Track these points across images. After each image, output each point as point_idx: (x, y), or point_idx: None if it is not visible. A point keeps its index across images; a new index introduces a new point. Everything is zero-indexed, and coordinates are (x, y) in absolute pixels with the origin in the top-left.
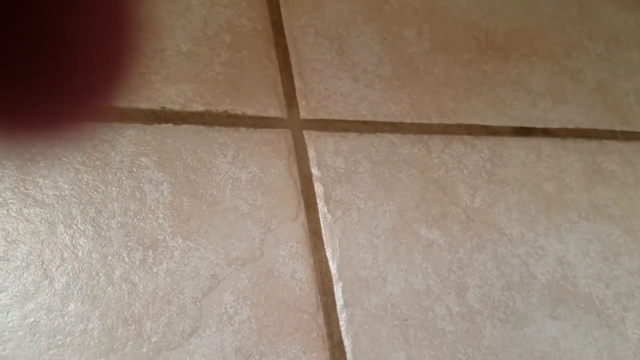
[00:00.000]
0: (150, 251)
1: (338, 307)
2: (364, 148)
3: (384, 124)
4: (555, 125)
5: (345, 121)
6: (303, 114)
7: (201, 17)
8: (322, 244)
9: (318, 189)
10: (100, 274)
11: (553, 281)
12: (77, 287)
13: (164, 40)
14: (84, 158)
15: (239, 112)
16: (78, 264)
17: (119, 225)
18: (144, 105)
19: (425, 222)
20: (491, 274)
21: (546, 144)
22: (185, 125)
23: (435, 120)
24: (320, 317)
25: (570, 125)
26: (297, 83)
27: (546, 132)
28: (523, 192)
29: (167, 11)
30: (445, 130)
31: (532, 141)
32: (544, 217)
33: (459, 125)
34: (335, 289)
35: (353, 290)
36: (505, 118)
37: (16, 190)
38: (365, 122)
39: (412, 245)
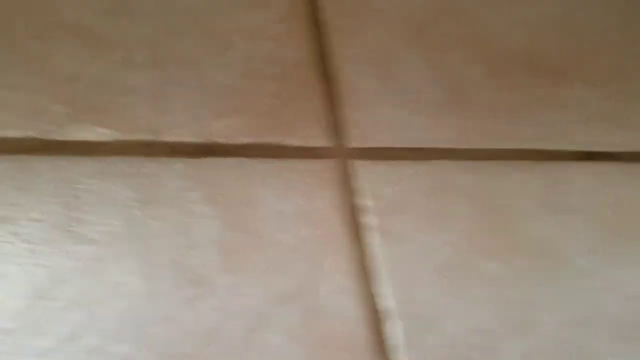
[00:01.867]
0: (198, 288)
1: (392, 348)
2: (415, 176)
3: (435, 150)
4: (618, 148)
5: (394, 149)
6: (350, 143)
7: (244, 52)
8: (373, 279)
9: (367, 220)
10: (148, 314)
11: (626, 317)
12: (124, 328)
13: (208, 74)
14: (133, 194)
15: (285, 143)
16: (126, 303)
17: (167, 261)
18: (191, 139)
19: (485, 255)
20: (558, 310)
21: (610, 169)
22: (232, 158)
23: (488, 146)
24: (371, 357)
25: (635, 148)
26: (343, 112)
27: (609, 156)
28: (589, 220)
29: (210, 45)
30: (500, 155)
31: (594, 166)
32: (614, 246)
33: (515, 151)
34: (388, 328)
35: (408, 330)
36: (563, 142)
37: (64, 228)
38: (415, 150)
39: (472, 279)
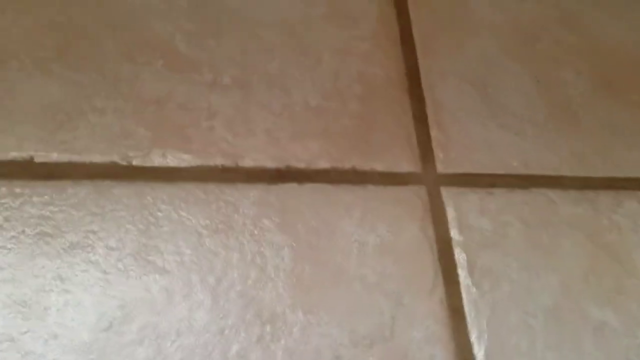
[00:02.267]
0: (269, 326)
1: None
2: (515, 206)
3: (540, 177)
4: None
5: (492, 175)
6: (441, 168)
7: (332, 69)
8: (465, 325)
9: (459, 256)
10: (216, 351)
11: None
12: None
13: (293, 95)
14: (207, 221)
15: (368, 168)
16: (194, 339)
17: (237, 295)
18: (269, 164)
19: (594, 299)
20: None
21: None
22: (310, 184)
23: (601, 173)
24: None
25: None
26: (434, 133)
27: None
28: None
29: (297, 64)
30: (614, 185)
31: None
32: None
33: (632, 180)
34: None
35: None
36: None
37: (137, 257)
38: (516, 176)
39: (578, 327)
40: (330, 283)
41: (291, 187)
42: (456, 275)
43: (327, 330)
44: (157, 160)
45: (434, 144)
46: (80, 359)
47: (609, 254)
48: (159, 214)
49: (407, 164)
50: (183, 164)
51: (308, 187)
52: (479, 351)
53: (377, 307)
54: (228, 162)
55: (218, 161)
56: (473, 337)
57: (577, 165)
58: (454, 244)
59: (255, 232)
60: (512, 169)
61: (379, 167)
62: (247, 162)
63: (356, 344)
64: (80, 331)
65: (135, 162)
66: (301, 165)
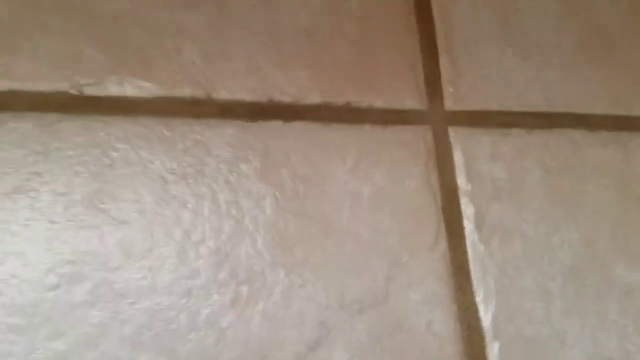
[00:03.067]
0: (245, 287)
1: None
2: (534, 150)
3: (564, 116)
4: None
5: (509, 113)
6: (450, 104)
7: None
8: (471, 285)
9: (466, 207)
10: (182, 316)
11: None
12: (152, 333)
13: (279, 13)
14: (173, 164)
15: (365, 105)
16: (156, 301)
17: (209, 251)
18: (248, 97)
19: (622, 259)
20: None
21: None
22: (297, 122)
23: (637, 112)
24: None
25: None
26: (444, 61)
27: None
28: None
29: None
30: None
31: None
32: None
33: None
34: (489, 352)
35: (515, 357)
36: None
37: (89, 204)
38: (537, 114)
39: (603, 291)
40: (318, 239)
41: (274, 126)
42: (462, 230)
43: (312, 292)
44: (113, 89)
45: (443, 75)
46: (23, 321)
47: (638, 207)
48: (115, 154)
49: (410, 99)
50: (144, 95)
51: (294, 126)
52: (485, 316)
53: (370, 267)
54: (199, 94)
55: (187, 92)
56: (479, 300)
57: (608, 102)
58: (460, 193)
59: (231, 178)
60: (532, 106)
61: (378, 103)
62: (222, 94)
63: (344, 309)
64: (23, 290)
65: (87, 91)
66: (287, 99)
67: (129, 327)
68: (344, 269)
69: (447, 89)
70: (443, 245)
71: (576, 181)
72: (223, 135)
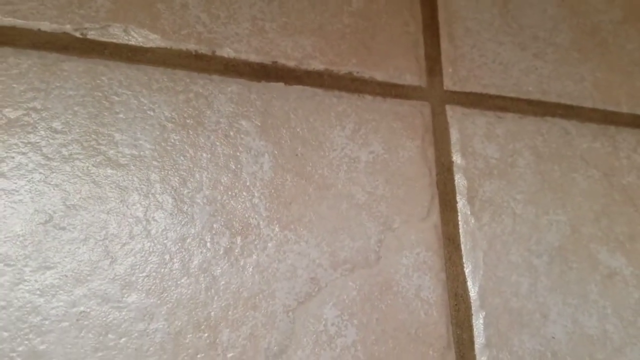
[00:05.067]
0: (239, 238)
1: (477, 347)
2: (527, 135)
3: (557, 105)
4: None
5: (504, 97)
6: (448, 83)
7: None
8: (460, 256)
9: (460, 182)
10: (175, 260)
11: None
12: (144, 274)
13: None
14: (173, 114)
15: (367, 76)
16: (149, 244)
17: (205, 200)
18: (252, 57)
19: (606, 243)
20: None
21: None
22: (299, 86)
23: (626, 109)
24: (452, 357)
25: None
26: (444, 44)
27: None
28: None
29: None
30: (638, 123)
31: None
32: None
33: None
34: (474, 321)
35: (499, 326)
36: None
37: (86, 144)
38: (530, 102)
39: (586, 272)
40: (314, 198)
41: (277, 87)
42: (454, 203)
43: (305, 249)
44: (118, 35)
45: (444, 56)
46: (12, 252)
47: (625, 196)
48: (115, 98)
49: (411, 75)
50: (149, 44)
51: (296, 90)
52: (473, 286)
53: (363, 229)
54: (203, 49)
55: (191, 46)
56: (468, 271)
57: (599, 97)
58: (455, 169)
59: (231, 133)
60: (527, 93)
61: (379, 76)
62: (226, 52)
63: (336, 267)
64: (14, 221)
65: (91, 35)
66: (291, 63)
67: (120, 266)
68: (338, 229)
69: (447, 70)
70: (435, 216)
71: (566, 168)
72: (225, 91)
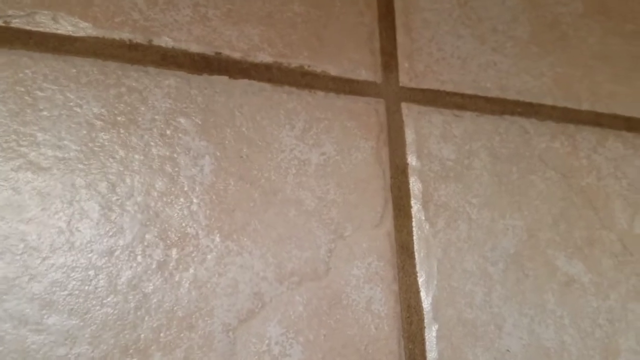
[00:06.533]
0: (175, 250)
1: None
2: (484, 134)
3: (516, 103)
4: None
5: (462, 95)
6: (404, 79)
7: None
8: (414, 265)
9: (415, 185)
10: (100, 277)
11: None
12: (65, 292)
13: None
14: (103, 111)
15: (319, 70)
16: (72, 258)
17: (136, 208)
18: (193, 47)
19: (564, 249)
20: None
21: None
22: (245, 81)
23: (586, 106)
24: None
25: None
26: (401, 36)
27: None
28: None
29: None
30: (599, 121)
31: None
32: None
33: (618, 117)
34: (427, 334)
35: (453, 339)
36: None
37: (5, 145)
38: (489, 99)
39: (543, 280)
40: (260, 205)
41: (220, 81)
42: (409, 208)
43: (249, 261)
44: (45, 24)
45: (400, 50)
46: None
47: (584, 199)
48: (39, 93)
49: (365, 70)
50: (79, 33)
51: (242, 84)
52: (426, 297)
53: (312, 238)
54: (138, 38)
55: (125, 35)
56: (421, 281)
57: (559, 93)
58: (410, 171)
59: (168, 132)
60: (485, 90)
61: (332, 70)
62: (164, 41)
63: (282, 280)
64: None
65: (15, 24)
66: (236, 55)
67: (39, 283)
68: (285, 238)
69: (403, 65)
70: (389, 222)
71: (523, 170)
72: (162, 85)
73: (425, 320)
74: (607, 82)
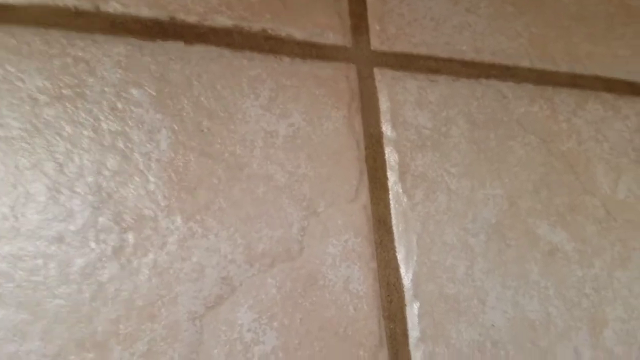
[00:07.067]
0: (131, 234)
1: (411, 342)
2: (461, 100)
3: (492, 66)
4: None
5: (436, 58)
6: (376, 43)
7: None
8: (392, 240)
9: (390, 156)
10: (51, 266)
11: None
12: (12, 285)
13: None
14: (47, 84)
15: (283, 34)
16: (18, 248)
17: (87, 189)
18: (145, 12)
19: (546, 217)
20: (639, 302)
21: None
22: (203, 46)
23: (564, 68)
24: (384, 356)
25: None
26: None
27: None
28: None
29: None
30: (577, 82)
31: None
32: None
33: (597, 78)
34: (408, 312)
35: (435, 316)
36: None
37: None
38: (464, 62)
39: (525, 250)
40: (224, 182)
41: (175, 47)
42: (385, 180)
43: (215, 243)
44: None
45: (370, 12)
46: None
47: (564, 163)
48: None
49: (333, 34)
50: (19, 1)
51: (199, 50)
52: (406, 273)
53: (284, 216)
54: (84, 4)
55: (70, 1)
56: (400, 256)
57: (536, 54)
58: (385, 141)
59: (119, 104)
60: (460, 52)
61: (298, 34)
62: (113, 7)
63: (252, 263)
64: None
65: None
66: (192, 19)
67: None
68: (254, 217)
69: (374, 27)
70: (365, 196)
71: (502, 136)
72: (111, 54)
73: (406, 298)
74: (584, 43)
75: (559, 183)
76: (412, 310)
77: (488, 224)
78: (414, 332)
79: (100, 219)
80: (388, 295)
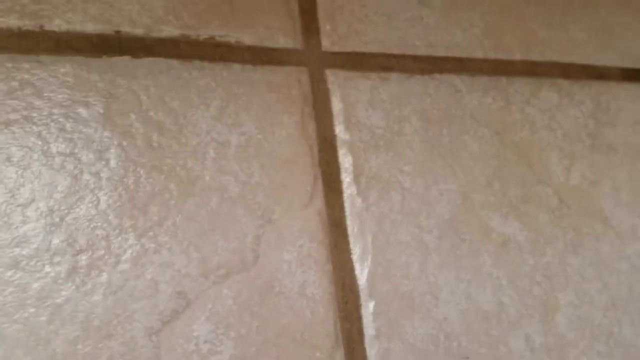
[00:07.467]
0: (85, 255)
1: (367, 340)
2: (414, 97)
3: (445, 60)
4: None
5: (388, 55)
6: (327, 43)
7: None
8: (347, 242)
9: (344, 158)
10: (7, 292)
11: None
12: None
13: None
14: None
15: (232, 40)
16: None
17: (39, 214)
18: (90, 27)
19: (499, 209)
20: (591, 287)
21: None
22: (150, 59)
23: (518, 56)
24: (341, 356)
25: None
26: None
27: None
28: (638, 164)
29: None
30: (532, 70)
31: None
32: None
33: (553, 65)
34: (363, 312)
35: (390, 314)
36: (615, 56)
37: None
38: (416, 58)
39: (478, 243)
40: (177, 196)
41: (122, 62)
42: (339, 183)
43: (169, 258)
44: None
45: (320, 11)
46: None
47: (517, 154)
48: None
49: (284, 36)
50: None
51: (147, 63)
52: (361, 274)
53: (238, 226)
54: (28, 24)
55: (13, 22)
56: (356, 258)
57: (490, 45)
58: (338, 143)
59: (67, 125)
60: (412, 48)
61: (248, 39)
62: (57, 25)
63: (207, 275)
64: None
65: None
66: (138, 31)
67: None
68: (208, 230)
69: (325, 26)
70: (319, 200)
71: (456, 131)
72: (57, 74)
73: (362, 298)
74: (541, 29)
75: (512, 174)
76: (368, 310)
77: (442, 220)
78: (369, 331)
79: (54, 242)
80: (344, 297)
